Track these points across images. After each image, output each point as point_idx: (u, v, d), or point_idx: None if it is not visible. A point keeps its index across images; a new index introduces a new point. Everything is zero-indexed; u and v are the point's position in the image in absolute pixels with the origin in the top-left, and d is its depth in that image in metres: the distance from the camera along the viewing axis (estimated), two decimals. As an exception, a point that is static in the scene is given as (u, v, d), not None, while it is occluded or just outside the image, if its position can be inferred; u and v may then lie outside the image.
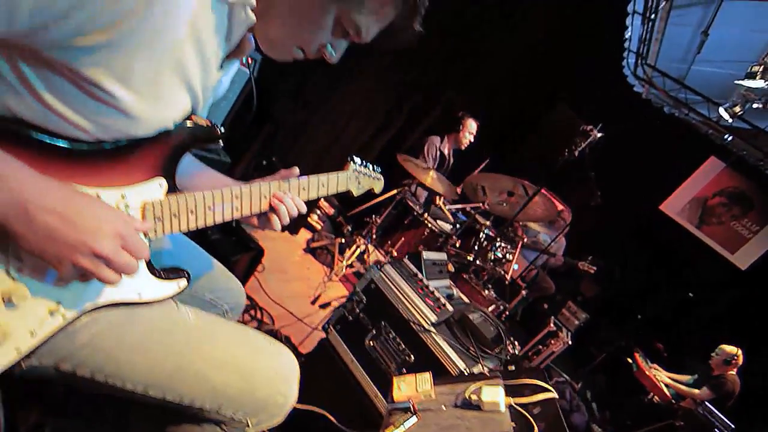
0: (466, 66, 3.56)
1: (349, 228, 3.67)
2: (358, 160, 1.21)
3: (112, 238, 0.60)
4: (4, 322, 0.61)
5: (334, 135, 2.90)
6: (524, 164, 4.94)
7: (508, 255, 3.31)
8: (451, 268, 2.35)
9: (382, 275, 1.61)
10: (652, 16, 5.11)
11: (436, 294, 1.63)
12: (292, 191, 0.98)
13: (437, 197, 3.50)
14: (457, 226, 3.21)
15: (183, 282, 0.83)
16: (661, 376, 4.49)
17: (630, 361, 4.51)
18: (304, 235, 3.38)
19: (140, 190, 0.72)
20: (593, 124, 5.16)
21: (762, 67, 4.20)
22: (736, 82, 4.85)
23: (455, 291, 1.96)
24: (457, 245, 3.09)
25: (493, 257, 3.14)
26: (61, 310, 0.66)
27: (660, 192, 5.94)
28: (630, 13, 5.06)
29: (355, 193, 1.22)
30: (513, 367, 1.73)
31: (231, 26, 0.68)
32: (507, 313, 3.14)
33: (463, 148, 3.76)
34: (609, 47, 5.54)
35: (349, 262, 2.94)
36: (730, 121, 5.27)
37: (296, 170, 1.01)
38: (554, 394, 1.07)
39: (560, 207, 5.69)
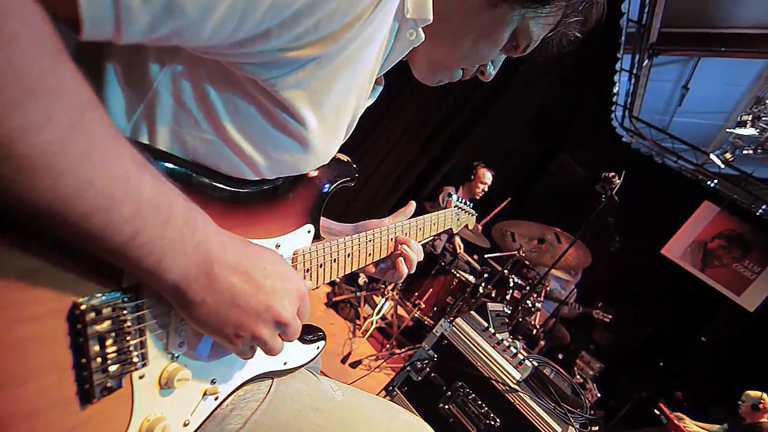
0: (479, 120, 3.66)
1: (365, 279, 3.54)
2: (455, 196, 1.15)
3: (295, 300, 0.50)
4: (160, 414, 0.48)
5: (360, 184, 2.86)
6: (541, 210, 4.97)
7: (537, 303, 3.20)
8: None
9: (455, 329, 1.49)
10: (638, 72, 5.46)
11: (513, 348, 1.51)
12: (411, 233, 0.90)
13: (459, 247, 3.43)
14: (485, 275, 3.12)
15: (321, 343, 0.71)
16: (691, 427, 4.28)
17: (657, 413, 4.31)
18: (323, 288, 3.22)
19: (292, 238, 0.62)
20: (588, 171, 5.27)
21: (751, 116, 4.44)
22: (727, 129, 5.12)
23: (518, 344, 1.83)
24: (492, 295, 2.98)
25: (523, 306, 3.02)
26: (215, 389, 0.54)
27: (659, 237, 6.03)
28: (618, 71, 5.39)
29: (455, 229, 1.17)
30: (597, 428, 1.58)
31: (394, 46, 0.60)
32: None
33: (477, 197, 3.75)
34: (600, 102, 5.85)
35: (378, 317, 2.78)
36: (722, 167, 5.51)
37: (413, 205, 0.94)
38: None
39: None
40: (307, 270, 0.64)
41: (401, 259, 0.82)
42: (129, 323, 0.44)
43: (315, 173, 0.64)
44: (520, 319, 3.09)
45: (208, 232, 0.44)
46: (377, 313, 2.79)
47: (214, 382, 0.53)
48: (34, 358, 0.39)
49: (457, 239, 3.77)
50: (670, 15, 4.57)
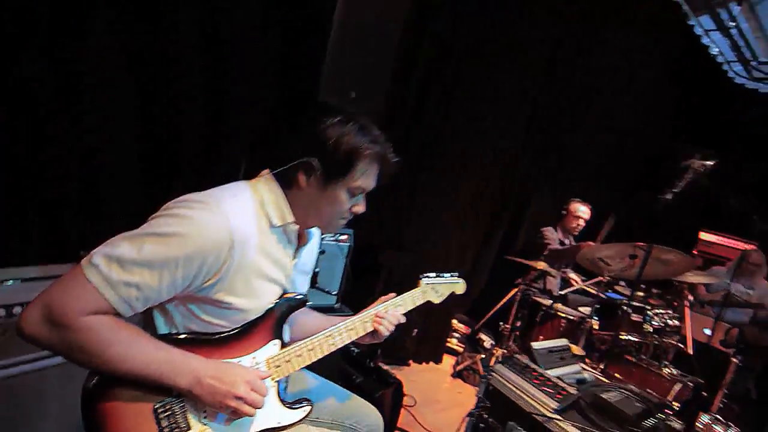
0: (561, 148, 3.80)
1: (492, 341, 3.69)
2: (432, 274, 1.47)
3: (244, 384, 0.98)
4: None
5: (443, 257, 3.22)
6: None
7: (672, 321, 2.91)
8: (576, 351, 2.22)
9: (496, 375, 1.71)
10: (731, 24, 4.84)
11: (554, 381, 1.64)
12: (390, 310, 1.30)
13: (576, 282, 3.41)
14: (596, 306, 3.02)
15: (307, 408, 1.17)
16: None
17: None
18: (449, 361, 3.50)
19: (264, 351, 1.13)
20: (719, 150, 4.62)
21: None
22: None
23: (587, 374, 1.88)
24: (596, 327, 2.87)
25: (651, 328, 2.80)
26: (230, 443, 1.04)
27: None
28: (701, 34, 4.86)
29: (436, 300, 1.45)
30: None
31: (288, 235, 1.13)
32: (697, 387, 2.64)
33: (575, 233, 3.69)
34: (703, 74, 5.18)
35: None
36: None
37: (389, 296, 1.35)
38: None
39: (746, 248, 4.78)
40: (277, 366, 1.13)
41: (379, 327, 1.25)
42: (177, 409, 0.99)
43: (272, 310, 1.15)
44: (656, 343, 2.84)
45: (196, 364, 0.97)
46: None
47: (229, 438, 1.04)
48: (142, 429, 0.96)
49: (572, 274, 3.70)
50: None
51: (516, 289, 3.05)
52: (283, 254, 1.14)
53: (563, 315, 2.90)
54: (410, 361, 3.27)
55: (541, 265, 2.94)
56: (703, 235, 4.99)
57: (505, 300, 3.09)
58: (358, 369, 2.20)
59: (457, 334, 3.68)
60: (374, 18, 2.23)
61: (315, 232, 1.29)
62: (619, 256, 2.76)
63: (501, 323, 3.10)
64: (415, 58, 2.74)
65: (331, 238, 2.02)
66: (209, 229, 0.93)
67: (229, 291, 1.01)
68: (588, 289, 3.45)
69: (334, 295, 2.07)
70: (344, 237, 2.09)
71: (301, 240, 1.21)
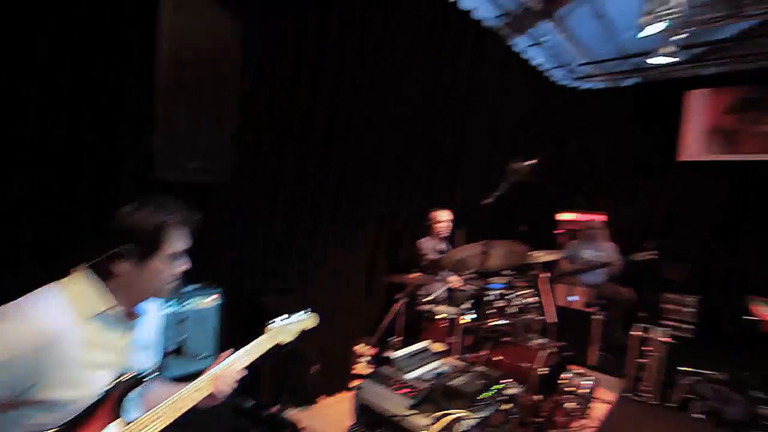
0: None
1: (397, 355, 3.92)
2: (277, 320, 1.64)
3: None
4: None
5: (330, 291, 3.41)
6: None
7: (531, 298, 3.38)
8: (438, 347, 2.54)
9: (361, 392, 1.92)
10: (546, 38, 5.77)
11: (411, 382, 1.89)
12: (231, 366, 1.43)
13: (450, 282, 3.76)
14: (471, 300, 3.40)
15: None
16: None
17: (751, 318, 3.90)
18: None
19: (106, 434, 1.21)
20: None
21: (645, 17, 4.49)
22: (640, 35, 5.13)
23: (447, 367, 2.17)
24: (467, 320, 3.24)
25: (515, 309, 3.24)
26: None
27: (667, 150, 5.83)
28: (521, 50, 5.76)
29: (287, 339, 1.61)
30: (511, 405, 1.86)
31: (112, 319, 1.22)
32: (560, 349, 3.10)
33: (443, 236, 4.11)
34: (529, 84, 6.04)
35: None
36: (674, 59, 5.38)
37: (227, 353, 1.47)
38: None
39: (589, 218, 5.63)
40: (121, 445, 1.21)
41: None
42: None
43: (109, 392, 1.23)
44: (520, 321, 3.27)
45: None
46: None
47: None
48: None
49: (451, 276, 4.07)
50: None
51: (397, 304, 3.34)
52: (112, 338, 1.23)
53: (441, 316, 3.23)
54: (320, 397, 3.37)
55: (412, 277, 3.26)
56: (560, 216, 5.78)
57: (389, 317, 3.35)
58: (252, 421, 2.27)
59: (365, 357, 3.86)
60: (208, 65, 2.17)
61: (149, 305, 1.40)
62: (474, 255, 3.16)
63: (389, 338, 3.35)
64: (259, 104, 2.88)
65: (195, 304, 2.10)
66: (12, 338, 1.02)
67: (53, 388, 1.09)
68: (462, 287, 3.83)
69: (210, 357, 2.14)
70: (210, 299, 2.18)
71: (131, 317, 1.32)
